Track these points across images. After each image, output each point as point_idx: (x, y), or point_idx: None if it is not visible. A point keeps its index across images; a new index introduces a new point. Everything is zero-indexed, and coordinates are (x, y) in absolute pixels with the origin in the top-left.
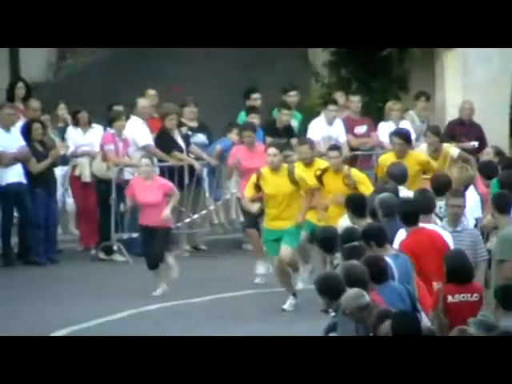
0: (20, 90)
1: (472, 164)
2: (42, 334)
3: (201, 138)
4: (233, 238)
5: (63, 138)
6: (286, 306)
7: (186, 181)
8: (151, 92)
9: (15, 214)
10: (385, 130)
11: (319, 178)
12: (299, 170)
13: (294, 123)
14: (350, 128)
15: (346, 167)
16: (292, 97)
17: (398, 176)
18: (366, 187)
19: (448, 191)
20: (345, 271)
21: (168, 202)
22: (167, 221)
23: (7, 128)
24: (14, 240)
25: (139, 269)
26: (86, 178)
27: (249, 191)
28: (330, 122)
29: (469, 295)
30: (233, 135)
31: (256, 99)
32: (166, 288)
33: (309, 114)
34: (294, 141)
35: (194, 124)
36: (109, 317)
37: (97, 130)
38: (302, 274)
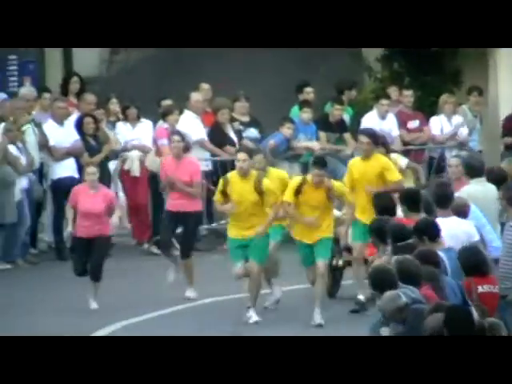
0: (74, 84)
1: (420, 173)
2: (97, 327)
3: (253, 132)
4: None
5: (114, 133)
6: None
7: None
8: (205, 86)
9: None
10: (437, 123)
11: (297, 191)
12: (270, 180)
13: (346, 117)
14: (402, 123)
15: (327, 180)
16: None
17: (478, 168)
18: (349, 200)
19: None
20: (398, 265)
21: (111, 212)
22: (111, 230)
23: (61, 122)
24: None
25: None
26: (135, 172)
27: (217, 196)
28: (383, 117)
29: (492, 286)
30: (285, 129)
31: (309, 93)
32: (95, 306)
33: (361, 109)
34: (346, 135)
35: (246, 119)
36: (160, 311)
37: (146, 124)
38: (274, 294)
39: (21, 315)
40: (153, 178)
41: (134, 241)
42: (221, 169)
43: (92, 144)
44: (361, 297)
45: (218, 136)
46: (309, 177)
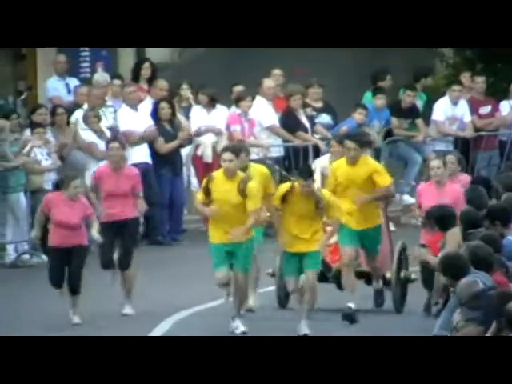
0: (146, 70)
1: None
2: (166, 316)
3: (325, 118)
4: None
5: (187, 118)
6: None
7: (311, 160)
8: (276, 72)
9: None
10: (506, 107)
11: (283, 198)
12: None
13: (419, 103)
14: (474, 109)
15: (315, 188)
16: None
17: None
18: (334, 211)
19: None
20: (470, 252)
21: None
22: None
23: (134, 107)
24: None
25: (264, 249)
26: (208, 158)
27: (200, 195)
28: (455, 103)
29: None
30: (357, 115)
31: (387, 80)
32: (78, 321)
33: (434, 95)
34: (418, 121)
35: (319, 105)
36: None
37: (220, 110)
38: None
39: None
40: None
41: (205, 227)
42: (293, 154)
43: (168, 129)
44: (351, 304)
45: (290, 122)
46: (297, 184)
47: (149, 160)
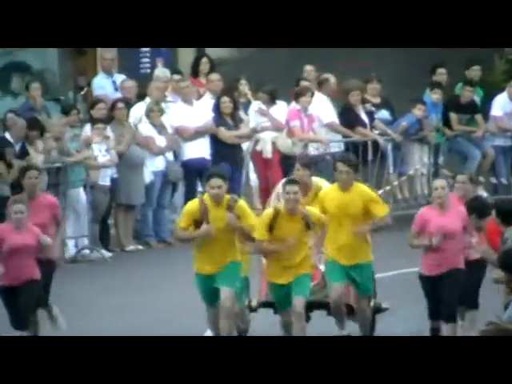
0: (204, 65)
1: None
2: None
3: (384, 113)
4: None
5: (246, 114)
6: None
7: (370, 156)
8: (308, 68)
9: (199, 188)
10: None
11: (270, 226)
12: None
13: (476, 99)
14: None
15: (301, 207)
16: (474, 71)
17: None
18: (321, 226)
19: None
20: None
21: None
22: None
23: (189, 102)
24: None
25: None
26: (268, 153)
27: (183, 222)
28: None
29: None
30: (416, 110)
31: (442, 74)
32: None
33: (493, 90)
34: (478, 116)
35: (377, 100)
36: None
37: (280, 106)
38: None
39: (155, 294)
40: (284, 160)
41: None
42: (352, 150)
43: (229, 123)
44: (344, 332)
45: (349, 117)
46: (281, 207)
47: (206, 155)
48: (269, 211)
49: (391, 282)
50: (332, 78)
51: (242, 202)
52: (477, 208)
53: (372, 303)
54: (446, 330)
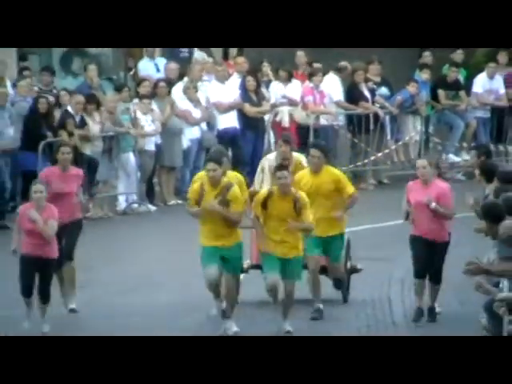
0: (233, 50)
1: None
2: None
3: (384, 90)
4: (411, 173)
5: (267, 90)
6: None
7: (372, 126)
8: (299, 53)
9: (230, 152)
10: None
11: (264, 204)
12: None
13: (460, 78)
14: (509, 83)
15: (294, 190)
16: (458, 54)
17: None
18: (306, 215)
19: None
20: (505, 201)
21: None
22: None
23: (223, 81)
24: None
25: None
26: (286, 123)
27: (191, 199)
28: (491, 77)
29: None
30: (410, 87)
31: (427, 56)
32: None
33: (474, 71)
34: (461, 93)
35: (378, 79)
36: None
37: (295, 84)
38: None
39: (193, 242)
40: (299, 129)
41: None
42: (356, 121)
43: (253, 98)
44: (320, 305)
45: (354, 94)
46: (275, 188)
47: (237, 125)
48: (264, 191)
49: (388, 231)
50: (348, 66)
51: (235, 189)
52: (490, 214)
53: (348, 265)
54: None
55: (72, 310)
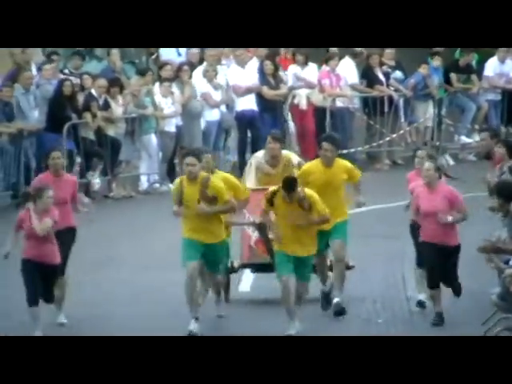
0: None
1: None
2: None
3: (398, 73)
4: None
5: (285, 73)
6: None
7: (386, 108)
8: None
9: (248, 134)
10: None
11: (270, 201)
12: (218, 180)
13: (473, 62)
14: None
15: (299, 189)
16: None
17: None
18: (319, 208)
19: None
20: None
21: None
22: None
23: (242, 65)
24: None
25: None
26: (303, 106)
27: (174, 201)
28: (502, 61)
29: None
30: (422, 69)
31: None
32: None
33: (485, 55)
34: (473, 76)
35: (392, 63)
36: None
37: (312, 67)
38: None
39: None
40: (317, 111)
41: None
42: (372, 103)
43: (271, 82)
44: (339, 299)
45: (369, 77)
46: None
47: (255, 107)
48: (270, 189)
49: (402, 210)
50: (364, 51)
51: (213, 181)
52: (504, 192)
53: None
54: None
55: (61, 324)
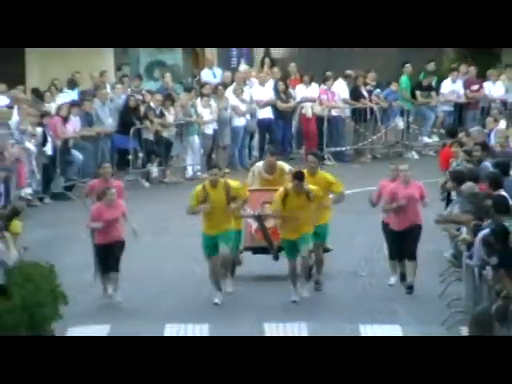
0: (267, 62)
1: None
2: None
3: (378, 91)
4: (397, 151)
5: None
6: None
7: (368, 116)
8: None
9: (266, 136)
10: (487, 86)
11: (283, 202)
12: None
13: (433, 82)
14: (468, 85)
15: (305, 186)
16: (431, 65)
17: None
18: (336, 187)
19: None
20: (468, 171)
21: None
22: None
23: (262, 84)
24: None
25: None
26: (309, 114)
27: (192, 201)
28: (454, 81)
29: None
30: (392, 86)
31: (407, 67)
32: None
33: (442, 77)
34: (432, 93)
35: (374, 83)
36: None
37: (314, 86)
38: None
39: None
40: (318, 119)
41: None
42: (357, 113)
43: (283, 97)
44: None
45: (356, 93)
46: (290, 188)
47: (271, 116)
48: (281, 191)
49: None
50: (352, 73)
51: (232, 184)
52: (457, 177)
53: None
54: (409, 265)
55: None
